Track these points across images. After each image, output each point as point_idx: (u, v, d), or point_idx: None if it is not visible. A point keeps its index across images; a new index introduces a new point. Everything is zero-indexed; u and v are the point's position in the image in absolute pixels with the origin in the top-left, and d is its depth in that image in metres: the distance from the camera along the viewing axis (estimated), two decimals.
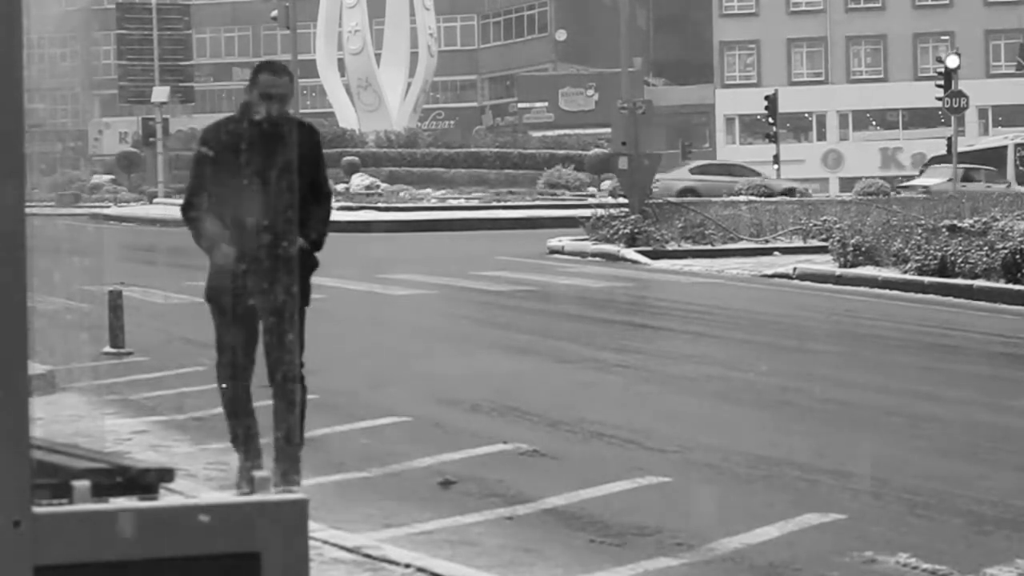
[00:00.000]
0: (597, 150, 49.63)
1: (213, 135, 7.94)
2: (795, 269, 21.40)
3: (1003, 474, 8.58)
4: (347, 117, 57.46)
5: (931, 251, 19.58)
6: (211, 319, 7.79)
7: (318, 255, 7.75)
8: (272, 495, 2.33)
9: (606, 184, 43.85)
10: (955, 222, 21.76)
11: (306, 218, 7.59)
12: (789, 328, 16.07)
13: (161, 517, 2.28)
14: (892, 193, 41.79)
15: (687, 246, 25.29)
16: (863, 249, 21.12)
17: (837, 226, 23.94)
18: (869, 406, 10.82)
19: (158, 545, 2.22)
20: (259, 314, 7.52)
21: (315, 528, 6.23)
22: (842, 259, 21.30)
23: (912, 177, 50.49)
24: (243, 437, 7.73)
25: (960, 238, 19.97)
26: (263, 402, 9.94)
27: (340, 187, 44.36)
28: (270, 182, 7.36)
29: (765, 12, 76.17)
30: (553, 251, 25.88)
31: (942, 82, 39.03)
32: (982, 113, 68.79)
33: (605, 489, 7.88)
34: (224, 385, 7.76)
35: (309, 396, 7.61)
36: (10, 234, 2.10)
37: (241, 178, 7.50)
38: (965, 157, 45.97)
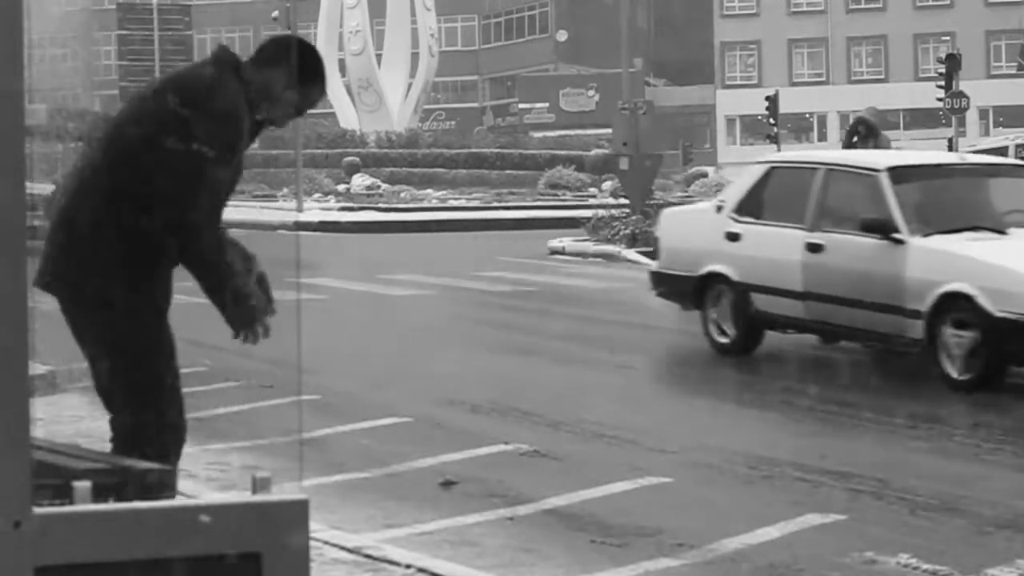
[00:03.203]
0: (598, 151, 49.60)
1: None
2: None
3: (1003, 475, 8.58)
4: (348, 118, 57.52)
5: None
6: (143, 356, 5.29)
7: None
8: (272, 495, 2.33)
9: (607, 185, 43.79)
10: None
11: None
12: None
13: (161, 517, 2.28)
14: None
15: None
16: None
17: None
18: (869, 406, 10.81)
19: (158, 545, 2.22)
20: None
21: (315, 528, 6.23)
22: None
23: None
24: None
25: None
26: (266, 402, 9.95)
27: (341, 187, 44.39)
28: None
29: (766, 12, 76.23)
30: (554, 252, 25.85)
31: (943, 83, 38.99)
32: (983, 114, 68.82)
33: (606, 489, 7.88)
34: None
35: (310, 396, 7.47)
36: (10, 234, 2.10)
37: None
38: None
